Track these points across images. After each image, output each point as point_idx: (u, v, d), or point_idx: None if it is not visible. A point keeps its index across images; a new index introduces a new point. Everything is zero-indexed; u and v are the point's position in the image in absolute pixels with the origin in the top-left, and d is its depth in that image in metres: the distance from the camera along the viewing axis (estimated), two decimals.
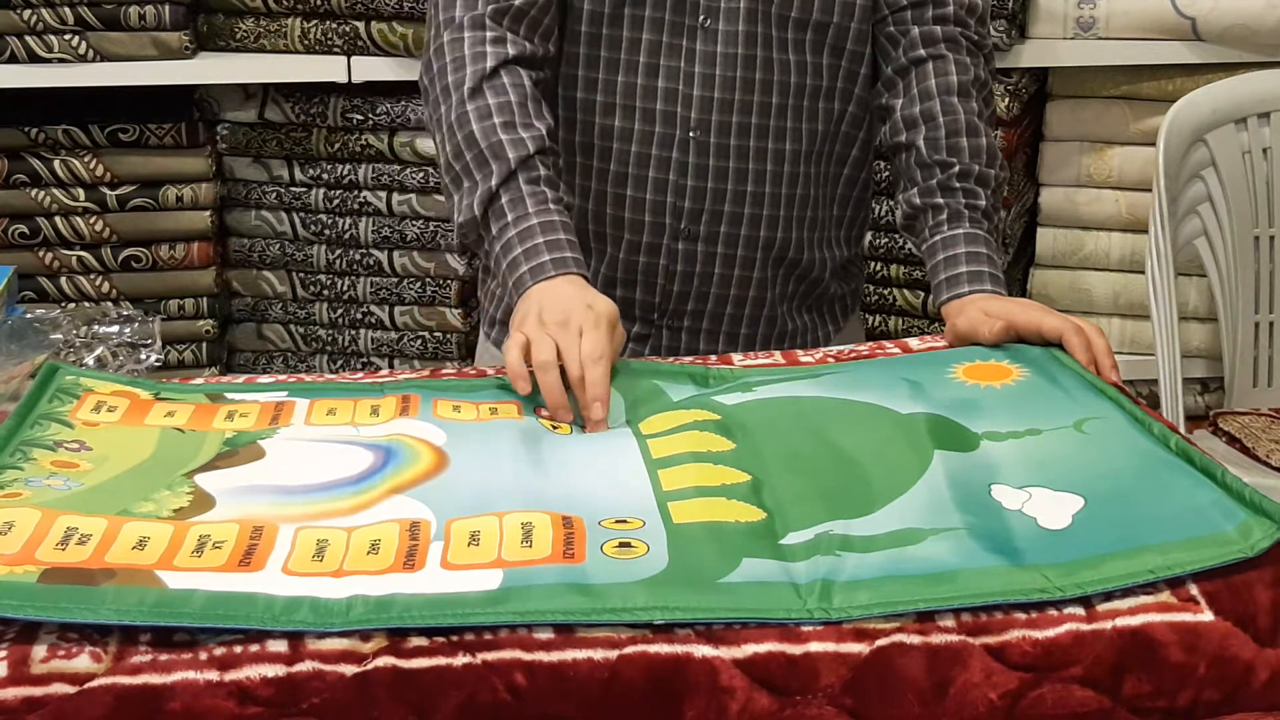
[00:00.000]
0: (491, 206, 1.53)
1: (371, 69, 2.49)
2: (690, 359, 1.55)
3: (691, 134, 1.64)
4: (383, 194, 2.61)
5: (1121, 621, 1.03)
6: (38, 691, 0.96)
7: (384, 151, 2.58)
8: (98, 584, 1.01)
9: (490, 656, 0.99)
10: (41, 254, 2.55)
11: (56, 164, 2.51)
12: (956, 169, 1.64)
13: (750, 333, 1.74)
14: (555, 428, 1.35)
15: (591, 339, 1.40)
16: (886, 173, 2.48)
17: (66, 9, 2.41)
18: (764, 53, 1.64)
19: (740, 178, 1.66)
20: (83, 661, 0.97)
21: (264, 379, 1.48)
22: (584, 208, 1.68)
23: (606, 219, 1.67)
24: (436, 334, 2.69)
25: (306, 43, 2.49)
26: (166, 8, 2.42)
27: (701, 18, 1.62)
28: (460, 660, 0.99)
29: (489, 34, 1.58)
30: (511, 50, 1.58)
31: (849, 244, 1.80)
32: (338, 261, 2.64)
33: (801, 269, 1.74)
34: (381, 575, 1.05)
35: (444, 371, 1.52)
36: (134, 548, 1.07)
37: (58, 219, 2.53)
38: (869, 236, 2.53)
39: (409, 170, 2.57)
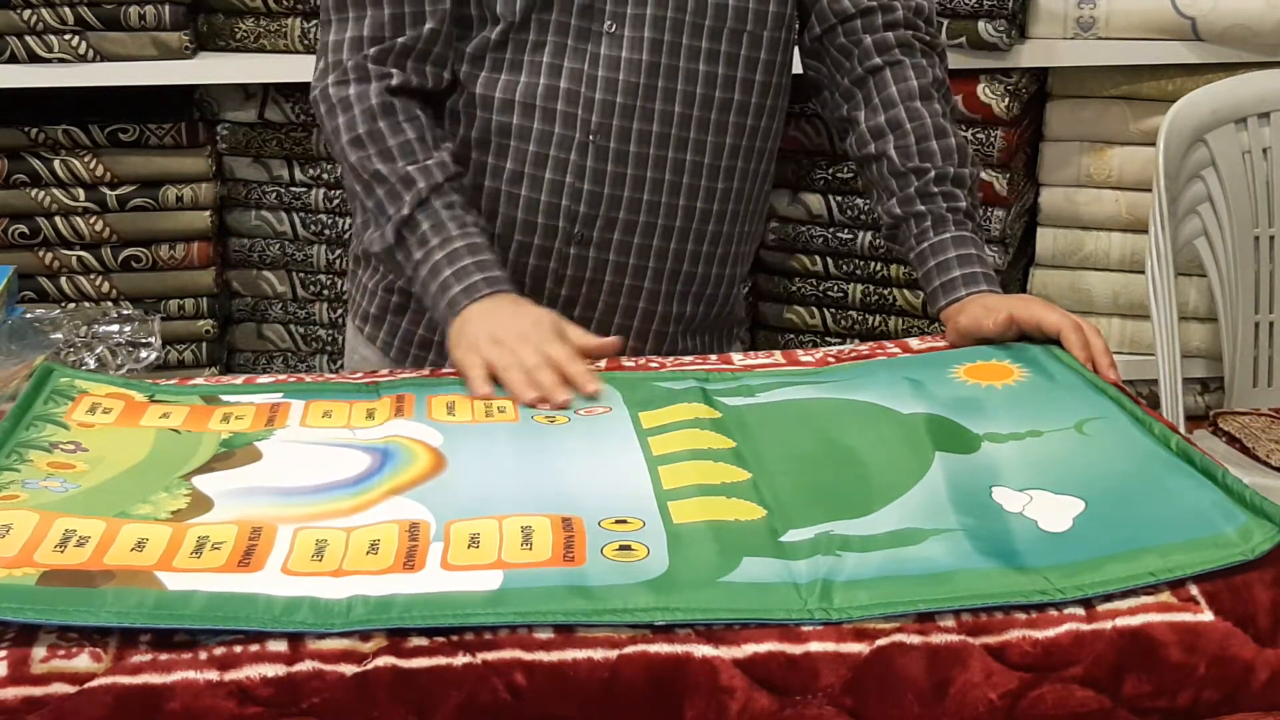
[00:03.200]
0: (411, 232, 1.56)
1: None
2: (690, 359, 1.56)
3: (591, 138, 1.61)
4: None
5: (1121, 621, 1.03)
6: (38, 691, 0.96)
7: None
8: (97, 586, 1.01)
9: (490, 656, 0.99)
10: (41, 254, 2.55)
11: (56, 164, 2.51)
12: (932, 174, 1.63)
13: (638, 346, 1.70)
14: (552, 419, 1.35)
15: (557, 349, 1.44)
16: None
17: (66, 9, 2.41)
18: (669, 60, 1.61)
19: (638, 185, 1.64)
20: (83, 661, 0.97)
21: (263, 379, 1.48)
22: (476, 205, 1.66)
23: (499, 218, 1.65)
24: None
25: (306, 43, 2.49)
26: (166, 8, 2.42)
27: (608, 23, 1.60)
28: (460, 660, 0.99)
29: (374, 72, 1.60)
30: (395, 83, 1.60)
31: (741, 262, 1.77)
32: (338, 261, 2.64)
33: (696, 285, 1.71)
34: (381, 575, 1.05)
35: (443, 371, 1.52)
36: (133, 549, 1.07)
37: (58, 219, 2.53)
38: (868, 236, 2.53)
39: None
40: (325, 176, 2.60)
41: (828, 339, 2.60)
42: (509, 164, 1.64)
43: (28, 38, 2.41)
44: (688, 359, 1.56)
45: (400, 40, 1.60)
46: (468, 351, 1.46)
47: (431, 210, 1.56)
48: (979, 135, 2.42)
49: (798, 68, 1.75)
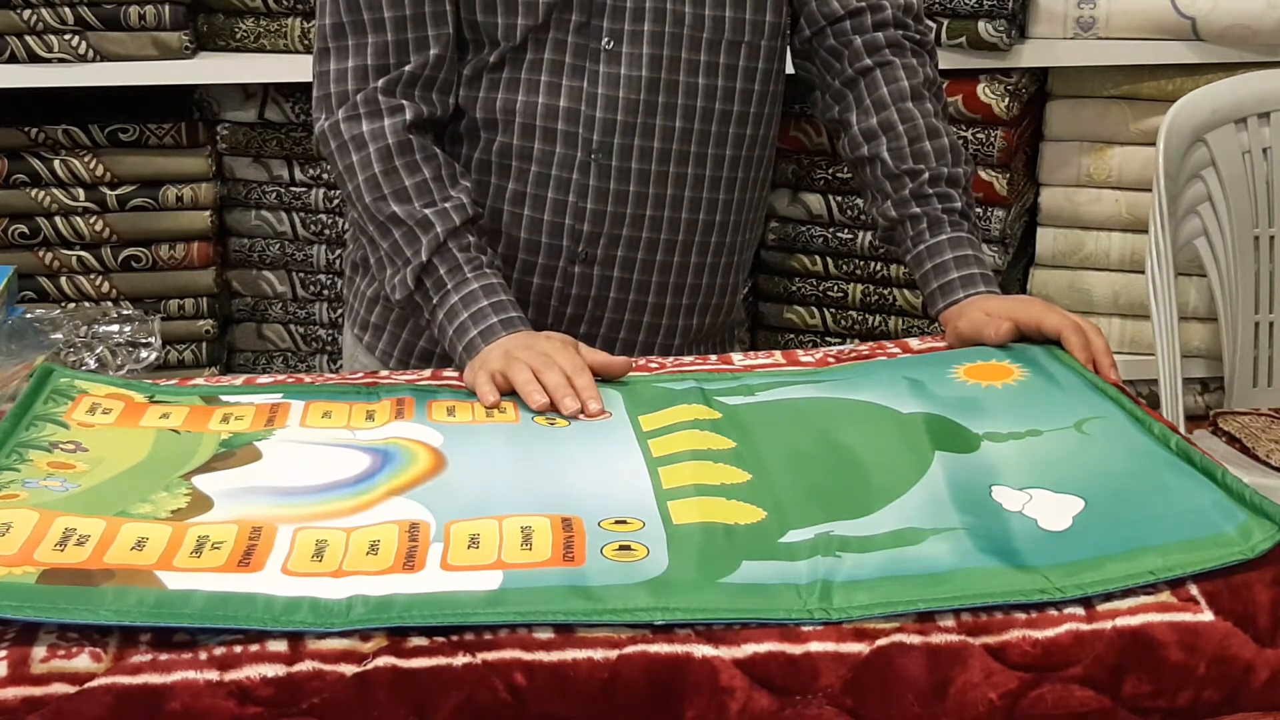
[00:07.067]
0: (428, 277, 1.54)
1: None
2: (690, 359, 1.56)
3: (593, 156, 1.60)
4: None
5: (1121, 621, 1.03)
6: (38, 691, 0.96)
7: None
8: (97, 585, 1.01)
9: (490, 656, 0.99)
10: (41, 254, 2.55)
11: (56, 164, 2.51)
12: (926, 175, 1.62)
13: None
14: (552, 422, 1.35)
15: (565, 357, 1.42)
16: None
17: (66, 9, 2.41)
18: (669, 76, 1.60)
19: (641, 202, 1.63)
20: (83, 661, 0.97)
21: (262, 379, 1.48)
22: (486, 231, 1.64)
23: (502, 239, 1.64)
24: None
25: (306, 43, 2.49)
26: (166, 8, 2.42)
27: (606, 40, 1.58)
28: (460, 660, 0.99)
29: (385, 106, 1.56)
30: (410, 117, 1.56)
31: (742, 269, 1.77)
32: (338, 261, 2.64)
33: (701, 297, 1.71)
34: (381, 575, 1.05)
35: (445, 373, 1.52)
36: (133, 548, 1.07)
37: (58, 219, 2.53)
38: (868, 236, 2.53)
39: None
40: (325, 176, 2.60)
41: (828, 339, 2.60)
42: (511, 185, 1.62)
43: (28, 38, 2.41)
44: (688, 359, 1.56)
45: (407, 69, 1.57)
46: (478, 370, 1.44)
47: (448, 255, 1.53)
48: (979, 135, 2.42)
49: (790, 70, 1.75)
